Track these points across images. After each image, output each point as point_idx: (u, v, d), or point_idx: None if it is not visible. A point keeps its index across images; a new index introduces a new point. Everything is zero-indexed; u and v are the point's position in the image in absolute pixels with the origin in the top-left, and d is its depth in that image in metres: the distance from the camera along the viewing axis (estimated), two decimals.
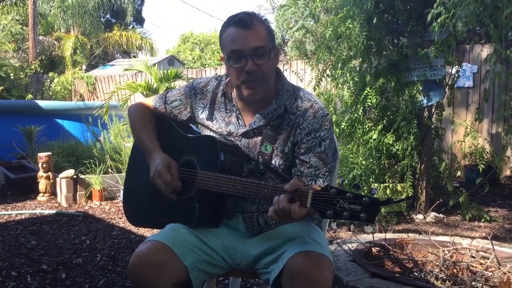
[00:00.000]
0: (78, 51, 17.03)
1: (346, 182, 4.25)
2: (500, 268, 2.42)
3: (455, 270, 2.48)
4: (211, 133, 1.75)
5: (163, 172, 1.61)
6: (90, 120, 6.57)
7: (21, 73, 13.71)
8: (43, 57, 16.74)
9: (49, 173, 5.21)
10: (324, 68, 4.83)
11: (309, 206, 1.33)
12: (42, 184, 5.18)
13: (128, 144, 5.35)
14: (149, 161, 1.68)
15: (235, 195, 1.56)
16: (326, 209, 1.30)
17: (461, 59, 6.15)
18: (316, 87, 4.81)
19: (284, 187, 1.39)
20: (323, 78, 4.91)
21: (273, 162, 1.65)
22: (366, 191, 3.92)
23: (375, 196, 1.28)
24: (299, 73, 5.68)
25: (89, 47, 18.29)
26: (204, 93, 1.77)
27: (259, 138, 1.67)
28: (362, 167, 4.40)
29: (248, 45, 1.55)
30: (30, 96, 12.77)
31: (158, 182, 1.62)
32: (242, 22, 1.57)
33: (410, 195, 4.38)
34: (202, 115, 1.77)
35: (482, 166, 4.80)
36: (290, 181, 1.39)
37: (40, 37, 17.04)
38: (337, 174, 1.96)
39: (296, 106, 1.66)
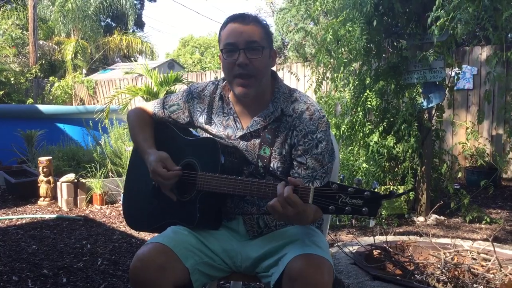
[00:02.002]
0: (78, 55, 17.05)
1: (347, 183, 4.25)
2: (501, 270, 2.42)
3: (456, 273, 2.48)
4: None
5: (157, 168, 1.62)
6: (91, 124, 6.58)
7: (22, 77, 13.71)
8: (44, 61, 16.75)
9: (50, 177, 5.21)
10: (324, 71, 4.83)
11: (311, 202, 1.33)
12: (43, 189, 5.18)
13: (128, 148, 5.36)
14: (146, 162, 1.70)
15: (236, 195, 1.57)
16: (328, 205, 1.31)
17: (461, 61, 6.16)
18: (317, 90, 4.81)
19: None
20: (323, 81, 4.91)
21: (271, 165, 1.66)
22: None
23: (376, 190, 1.28)
24: (298, 75, 5.68)
25: (89, 51, 18.31)
26: (201, 98, 1.79)
27: (257, 141, 1.67)
28: (363, 170, 4.40)
29: (242, 39, 1.59)
30: (30, 100, 12.78)
31: (158, 180, 1.64)
32: (240, 18, 1.63)
33: (410, 188, 4.36)
34: (201, 119, 1.77)
35: (486, 166, 4.78)
36: (291, 179, 1.40)
37: (41, 42, 17.06)
38: (338, 176, 1.95)
39: (292, 109, 1.67)
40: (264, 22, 1.67)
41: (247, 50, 1.59)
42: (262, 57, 1.61)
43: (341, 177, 1.41)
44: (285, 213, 1.37)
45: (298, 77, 5.67)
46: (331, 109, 4.79)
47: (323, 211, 1.33)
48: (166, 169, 1.63)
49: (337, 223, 4.15)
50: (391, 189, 4.46)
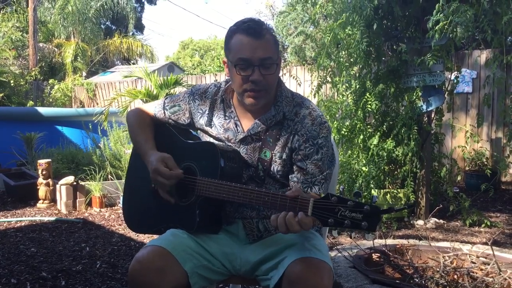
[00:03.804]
0: (78, 57, 17.06)
1: (346, 188, 4.25)
2: (500, 274, 2.41)
3: (455, 276, 2.47)
4: (211, 139, 1.75)
5: (159, 168, 1.61)
6: (90, 126, 6.57)
7: (21, 80, 13.71)
8: (43, 64, 16.75)
9: (49, 180, 5.21)
10: (325, 74, 4.84)
11: (310, 214, 1.33)
12: (42, 191, 5.18)
13: (128, 151, 5.36)
14: (146, 163, 1.69)
15: (235, 202, 1.57)
16: (327, 217, 1.30)
17: (460, 65, 6.16)
18: (317, 93, 4.81)
19: (286, 193, 1.39)
20: (323, 85, 4.91)
21: (271, 168, 1.66)
22: (366, 197, 3.90)
23: (376, 204, 1.27)
24: (298, 79, 5.69)
25: (89, 54, 18.32)
26: (203, 99, 1.78)
27: (258, 144, 1.68)
28: (363, 174, 4.40)
29: (257, 55, 1.55)
30: (30, 103, 12.78)
31: (159, 179, 1.62)
32: (252, 31, 1.57)
33: (412, 201, 4.36)
34: (201, 121, 1.77)
35: (489, 171, 4.79)
36: (292, 189, 1.39)
37: (41, 44, 17.07)
38: (337, 181, 1.95)
39: (294, 113, 1.67)
40: (272, 30, 1.64)
41: (262, 67, 1.57)
42: (275, 73, 1.61)
43: (340, 189, 1.39)
44: (289, 231, 1.38)
45: (299, 81, 5.67)
46: (332, 113, 4.79)
47: (322, 223, 1.32)
48: (168, 168, 1.62)
49: (334, 229, 4.13)
50: (390, 192, 4.46)
